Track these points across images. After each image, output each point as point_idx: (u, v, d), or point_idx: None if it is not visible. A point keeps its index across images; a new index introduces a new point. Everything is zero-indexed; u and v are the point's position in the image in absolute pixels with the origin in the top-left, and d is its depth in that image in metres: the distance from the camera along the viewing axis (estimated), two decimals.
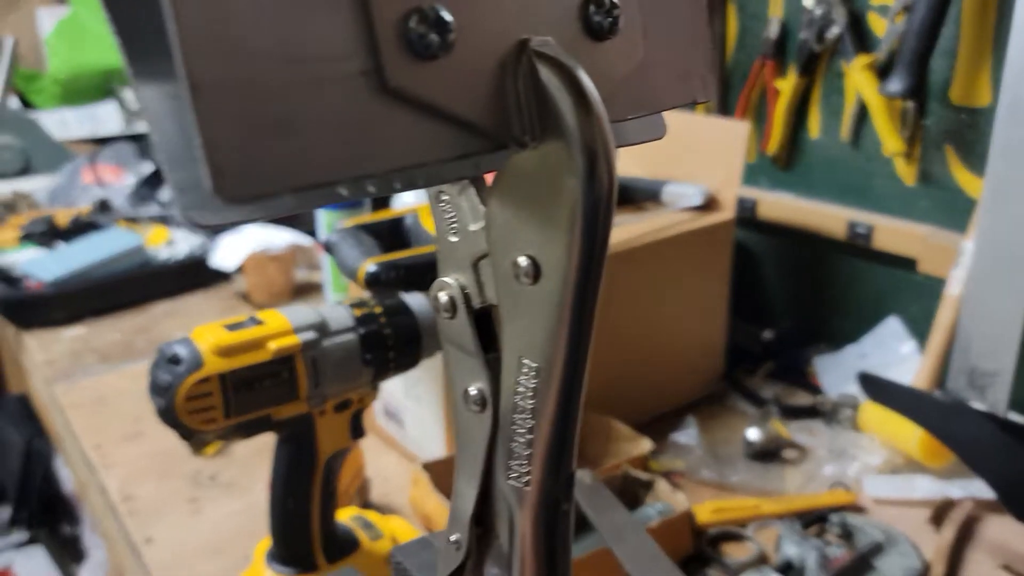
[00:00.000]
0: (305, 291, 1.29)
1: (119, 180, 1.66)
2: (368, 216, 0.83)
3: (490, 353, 0.25)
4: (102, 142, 1.90)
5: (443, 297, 0.25)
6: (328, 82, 0.18)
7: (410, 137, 0.19)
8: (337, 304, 0.62)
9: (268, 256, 1.25)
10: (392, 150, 0.19)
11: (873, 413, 0.86)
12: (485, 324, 0.25)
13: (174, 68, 0.18)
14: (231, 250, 1.26)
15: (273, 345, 0.56)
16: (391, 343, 0.61)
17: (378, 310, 0.61)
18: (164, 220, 1.46)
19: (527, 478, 0.24)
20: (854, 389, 0.92)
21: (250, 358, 0.55)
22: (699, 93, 0.27)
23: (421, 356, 0.63)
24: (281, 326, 0.57)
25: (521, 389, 0.23)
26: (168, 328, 1.20)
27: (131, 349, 1.14)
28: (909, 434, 0.81)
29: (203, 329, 0.56)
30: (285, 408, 0.58)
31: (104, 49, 2.05)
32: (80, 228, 1.43)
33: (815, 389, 0.98)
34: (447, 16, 0.19)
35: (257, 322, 0.57)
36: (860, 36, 0.94)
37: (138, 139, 1.87)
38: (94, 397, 1.03)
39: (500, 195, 0.22)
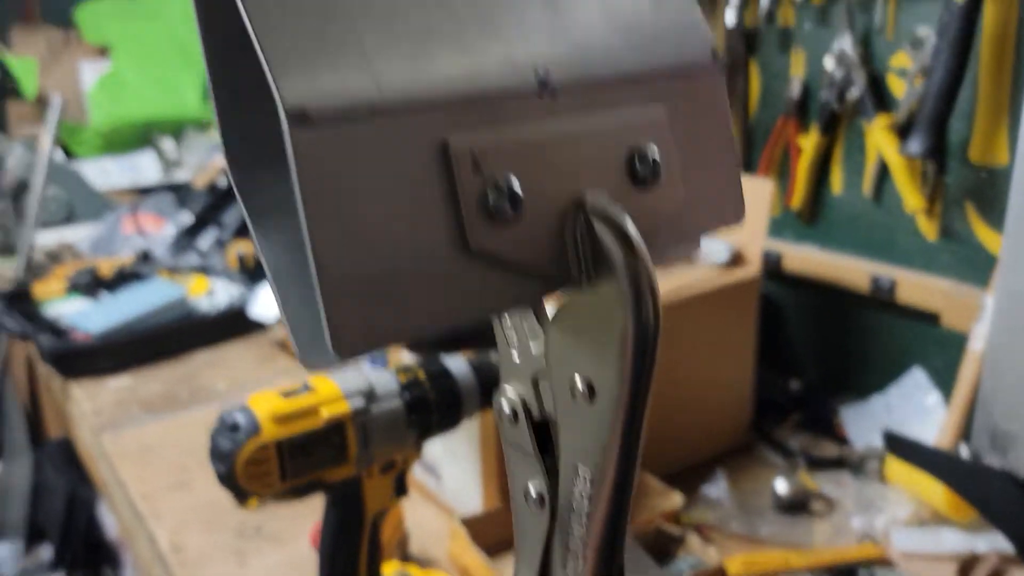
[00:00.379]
0: None
1: (159, 230, 1.72)
2: None
3: (547, 457, 0.28)
4: (142, 191, 1.97)
5: (506, 407, 0.28)
6: (424, 250, 0.21)
7: (488, 287, 0.23)
8: (382, 369, 0.65)
9: None
10: (474, 300, 0.23)
11: (899, 465, 0.88)
12: (543, 430, 0.28)
13: (290, 230, 0.22)
14: (270, 301, 1.30)
15: (325, 412, 0.59)
16: (434, 407, 0.64)
17: (422, 375, 0.65)
18: (203, 270, 1.51)
19: (582, 571, 0.27)
20: (880, 440, 0.94)
21: (304, 425, 0.59)
22: (731, 218, 0.30)
23: (462, 417, 0.66)
24: (331, 393, 0.61)
25: (577, 493, 0.26)
26: (209, 377, 1.25)
27: (174, 399, 1.18)
28: (935, 487, 0.83)
29: (260, 397, 0.59)
30: (335, 471, 0.61)
31: (143, 101, 2.12)
32: (123, 278, 1.48)
33: (842, 440, 1.00)
34: (518, 188, 0.23)
35: (309, 389, 0.61)
36: (880, 97, 0.97)
37: (177, 189, 1.93)
38: (140, 447, 1.07)
39: (559, 324, 0.26)
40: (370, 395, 0.62)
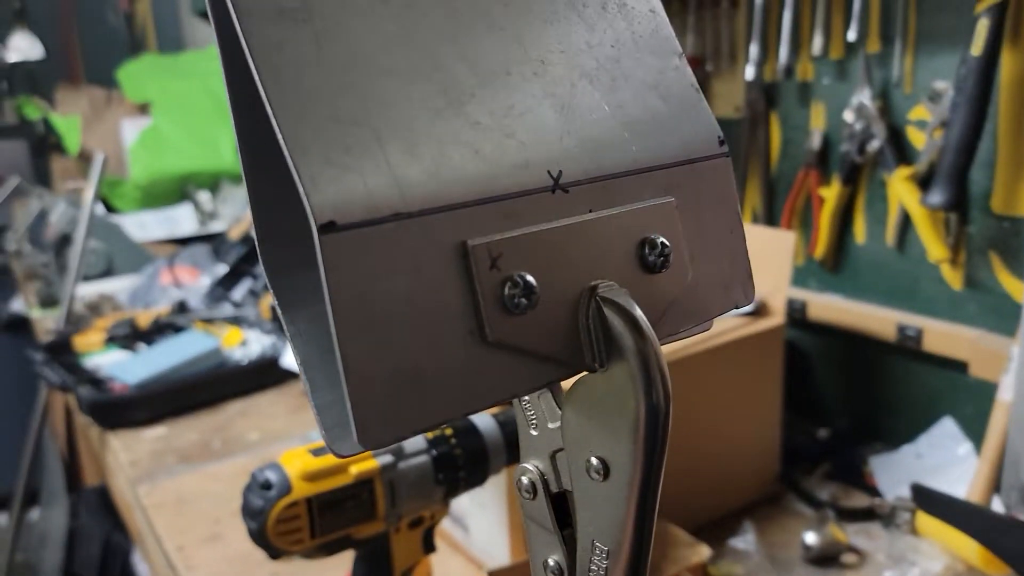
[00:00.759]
0: None
1: (195, 281, 1.76)
2: None
3: (566, 530, 0.29)
4: (179, 242, 2.02)
5: (525, 481, 0.29)
6: (445, 343, 0.23)
7: (507, 375, 0.24)
8: None
9: None
10: (493, 387, 0.24)
11: (931, 518, 0.87)
12: (561, 504, 0.29)
13: (317, 322, 0.23)
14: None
15: (354, 469, 0.61)
16: (461, 463, 0.65)
17: (448, 432, 0.66)
18: (237, 321, 1.55)
19: None
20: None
21: (334, 482, 0.60)
22: (740, 299, 0.31)
23: (489, 474, 0.68)
24: None
25: (594, 567, 0.28)
26: (242, 427, 1.27)
27: (208, 449, 1.21)
28: (969, 540, 0.82)
29: (291, 454, 0.61)
30: (364, 527, 0.62)
31: (181, 156, 2.19)
32: (160, 329, 1.52)
33: (872, 490, 0.99)
34: (532, 281, 0.24)
35: None
36: (900, 149, 0.98)
37: (212, 239, 1.98)
38: (175, 498, 1.08)
39: (574, 406, 0.27)
40: (398, 452, 0.63)
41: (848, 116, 1.01)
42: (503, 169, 0.25)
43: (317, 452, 0.61)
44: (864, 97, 0.99)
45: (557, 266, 0.25)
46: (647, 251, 0.28)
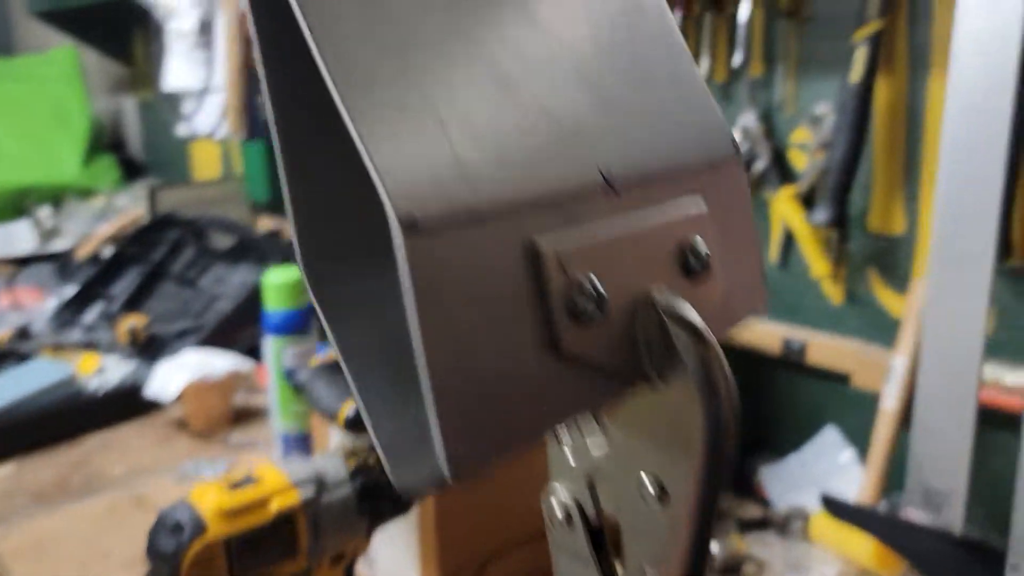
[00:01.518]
0: (245, 417, 1.27)
1: (39, 303, 1.60)
2: None
3: (602, 560, 0.27)
4: (17, 262, 1.84)
5: (558, 511, 0.27)
6: (519, 357, 0.21)
7: (575, 390, 0.22)
8: (329, 455, 0.62)
9: (207, 384, 1.22)
10: (564, 403, 0.22)
11: (824, 524, 0.90)
12: (597, 533, 0.27)
13: (373, 333, 0.20)
14: (168, 379, 1.23)
15: (275, 505, 0.56)
16: (387, 493, 0.61)
17: (372, 459, 0.62)
18: (91, 346, 1.42)
19: None
20: (800, 498, 0.97)
21: (253, 519, 0.55)
22: (758, 303, 0.30)
23: (415, 501, 0.64)
24: (279, 483, 0.57)
25: None
26: (104, 462, 1.16)
27: (66, 487, 1.09)
28: (861, 543, 0.86)
29: (203, 490, 0.55)
30: (286, 566, 0.57)
31: (17, 168, 2.00)
32: (1, 357, 1.37)
33: (763, 499, 1.02)
34: (601, 288, 0.22)
35: (254, 480, 0.57)
36: (783, 169, 1.02)
37: (56, 258, 1.82)
38: (32, 542, 0.97)
39: (626, 423, 0.25)
40: (320, 483, 0.59)
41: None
42: (558, 167, 0.23)
43: (233, 486, 0.56)
44: (749, 120, 1.03)
45: (616, 272, 0.24)
46: (690, 256, 0.26)
